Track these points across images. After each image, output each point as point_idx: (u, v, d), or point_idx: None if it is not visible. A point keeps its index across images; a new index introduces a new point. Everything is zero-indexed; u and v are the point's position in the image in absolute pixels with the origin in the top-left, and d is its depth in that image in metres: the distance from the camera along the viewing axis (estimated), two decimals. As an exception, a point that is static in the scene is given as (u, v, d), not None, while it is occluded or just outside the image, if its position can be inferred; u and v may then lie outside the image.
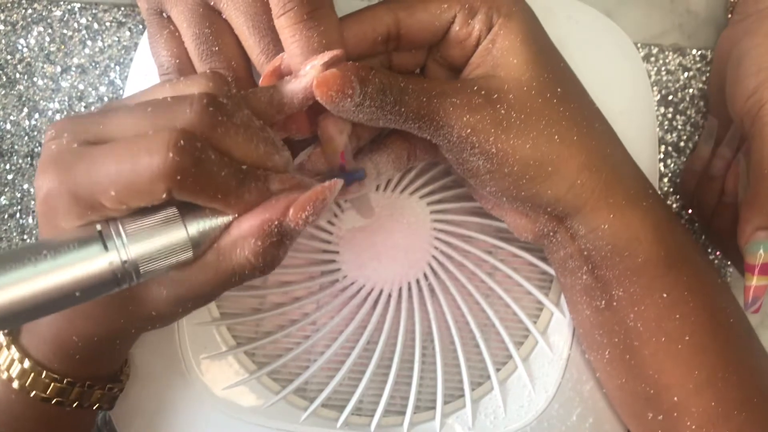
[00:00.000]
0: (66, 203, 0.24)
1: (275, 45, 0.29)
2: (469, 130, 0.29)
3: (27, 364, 0.29)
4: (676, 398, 0.31)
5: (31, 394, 0.29)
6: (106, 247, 0.24)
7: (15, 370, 0.29)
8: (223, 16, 0.29)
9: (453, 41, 0.30)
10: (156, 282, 0.26)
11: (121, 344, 0.31)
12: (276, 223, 0.25)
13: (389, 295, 0.36)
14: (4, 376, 0.29)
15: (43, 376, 0.29)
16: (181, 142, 0.23)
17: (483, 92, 0.29)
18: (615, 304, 0.31)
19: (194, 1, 0.29)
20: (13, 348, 0.29)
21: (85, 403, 0.30)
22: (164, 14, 0.30)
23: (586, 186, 0.30)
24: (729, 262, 0.41)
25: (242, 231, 0.25)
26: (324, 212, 0.26)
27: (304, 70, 0.27)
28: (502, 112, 0.29)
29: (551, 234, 0.32)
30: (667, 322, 0.31)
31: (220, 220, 0.25)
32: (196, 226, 0.25)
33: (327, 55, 0.27)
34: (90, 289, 0.24)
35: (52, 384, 0.29)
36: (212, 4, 0.29)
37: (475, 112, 0.29)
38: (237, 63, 0.30)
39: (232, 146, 0.25)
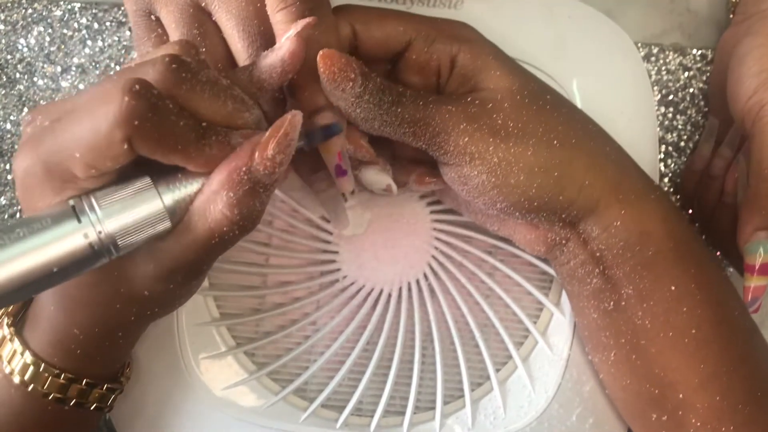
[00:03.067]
0: (40, 179, 0.24)
1: (262, 51, 0.28)
2: (466, 139, 0.29)
3: (28, 357, 0.29)
4: (681, 395, 0.31)
5: (29, 388, 0.29)
6: (79, 221, 0.23)
7: (17, 363, 0.29)
8: (213, 18, 0.29)
9: (412, 67, 0.31)
10: (141, 258, 0.26)
11: (124, 337, 0.30)
12: (243, 169, 0.24)
13: (389, 296, 0.36)
14: (7, 369, 0.29)
15: (42, 369, 0.29)
16: (137, 86, 0.22)
17: (477, 102, 0.29)
18: (624, 303, 0.31)
19: (185, 1, 0.29)
20: (16, 341, 0.29)
21: (84, 402, 0.30)
22: (152, 16, 0.30)
23: (595, 186, 0.30)
24: (729, 262, 0.41)
25: (213, 186, 0.25)
26: (292, 151, 0.25)
27: (279, 43, 0.27)
28: (499, 122, 0.29)
29: (563, 243, 0.32)
30: (674, 316, 0.31)
31: (194, 185, 0.25)
32: (171, 195, 0.25)
33: (299, 24, 0.27)
34: (69, 266, 0.23)
35: (51, 379, 0.29)
36: (203, 5, 0.29)
37: (472, 120, 0.29)
38: (223, 66, 0.29)
39: (198, 104, 0.25)
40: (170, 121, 0.23)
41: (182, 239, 0.25)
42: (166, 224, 0.25)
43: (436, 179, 0.33)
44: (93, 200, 0.24)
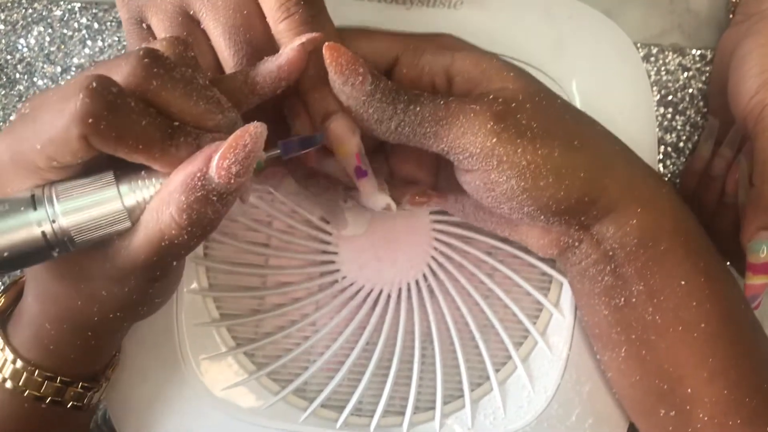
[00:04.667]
0: (10, 167, 0.24)
1: (249, 60, 0.28)
2: (494, 139, 0.28)
3: (9, 354, 0.29)
4: (689, 390, 0.31)
5: (8, 385, 0.29)
6: (35, 209, 0.23)
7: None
8: (202, 26, 0.29)
9: (404, 81, 0.30)
10: (99, 255, 0.26)
11: (94, 338, 0.30)
12: (198, 174, 0.23)
13: (389, 296, 0.36)
14: None
15: (20, 366, 0.29)
16: (93, 84, 0.22)
17: (501, 100, 0.28)
18: (634, 299, 0.31)
19: (174, 10, 0.29)
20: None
21: (60, 400, 0.30)
22: (144, 24, 0.30)
23: (613, 186, 0.30)
24: (729, 262, 0.41)
25: (169, 187, 0.24)
26: (251, 164, 0.23)
27: (281, 51, 0.27)
28: (524, 122, 0.28)
29: (576, 245, 0.32)
30: (684, 311, 0.31)
31: (156, 184, 0.25)
32: (132, 194, 0.24)
33: (305, 36, 0.27)
34: (21, 253, 0.24)
35: (26, 376, 0.29)
36: (192, 13, 0.29)
37: (499, 120, 0.28)
38: (212, 75, 0.29)
39: (168, 101, 0.24)
40: (130, 119, 0.23)
41: (133, 239, 0.25)
42: (126, 224, 0.25)
43: (428, 198, 0.33)
44: (53, 191, 0.24)
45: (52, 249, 0.24)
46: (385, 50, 0.30)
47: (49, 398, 0.30)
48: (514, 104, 0.28)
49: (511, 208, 0.30)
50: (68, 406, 0.31)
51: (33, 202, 0.24)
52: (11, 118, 0.40)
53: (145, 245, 0.25)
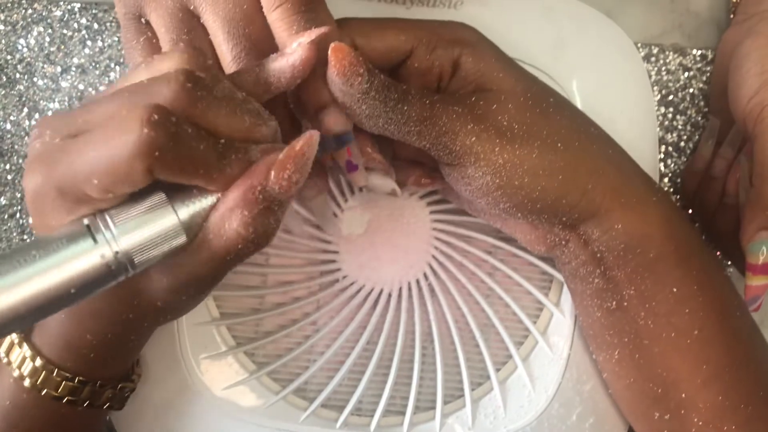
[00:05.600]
0: (53, 199, 0.23)
1: (247, 54, 0.28)
2: (473, 138, 0.28)
3: (39, 362, 0.28)
4: (683, 394, 0.31)
5: (43, 393, 0.28)
6: (95, 241, 0.23)
7: (26, 368, 0.28)
8: (201, 21, 0.29)
9: (413, 74, 0.30)
10: (155, 271, 0.26)
11: (135, 340, 0.30)
12: (258, 188, 0.24)
13: (389, 295, 0.36)
14: (16, 374, 0.28)
15: (55, 374, 0.28)
16: (155, 116, 0.22)
17: (482, 102, 0.29)
18: (626, 303, 0.31)
19: (174, 5, 0.29)
20: (25, 346, 0.29)
21: (96, 402, 0.30)
22: (142, 19, 0.30)
23: (597, 190, 0.30)
24: (729, 262, 0.41)
25: (228, 204, 0.25)
26: (307, 169, 0.25)
27: (291, 48, 0.27)
28: (504, 123, 0.29)
29: (564, 243, 0.32)
30: (676, 318, 0.31)
31: (209, 199, 0.25)
32: (186, 210, 0.25)
33: (314, 33, 0.26)
34: (86, 285, 0.23)
35: (64, 383, 0.29)
36: (191, 8, 0.28)
37: (479, 121, 0.29)
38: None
39: (215, 121, 0.24)
40: (190, 146, 0.23)
41: (197, 255, 0.25)
42: (182, 239, 0.25)
43: (432, 180, 0.33)
44: (108, 219, 0.24)
45: (116, 276, 0.24)
46: (400, 45, 0.30)
47: (86, 402, 0.30)
48: (495, 106, 0.29)
49: (488, 203, 0.30)
50: (104, 407, 0.31)
51: (90, 233, 0.23)
52: (11, 118, 0.40)
53: (210, 260, 0.25)
